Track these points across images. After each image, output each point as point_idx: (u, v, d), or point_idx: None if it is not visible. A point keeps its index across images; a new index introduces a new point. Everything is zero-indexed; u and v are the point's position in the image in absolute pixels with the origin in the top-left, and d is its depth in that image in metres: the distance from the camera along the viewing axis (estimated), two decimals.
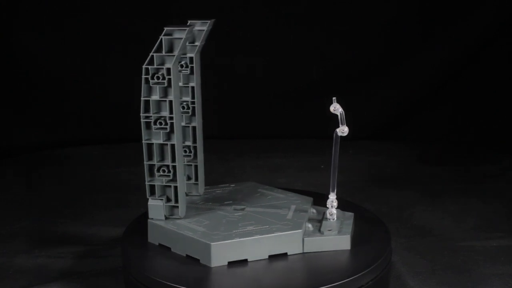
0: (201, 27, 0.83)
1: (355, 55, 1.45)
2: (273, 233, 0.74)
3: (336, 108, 0.79)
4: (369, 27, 1.43)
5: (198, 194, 0.86)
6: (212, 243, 0.72)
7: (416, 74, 1.44)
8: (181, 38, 0.75)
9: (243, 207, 0.82)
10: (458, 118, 1.44)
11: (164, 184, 0.78)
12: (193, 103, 0.84)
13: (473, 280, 0.85)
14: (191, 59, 0.83)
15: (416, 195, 1.14)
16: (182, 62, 0.82)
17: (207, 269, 0.72)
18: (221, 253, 0.73)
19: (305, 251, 0.75)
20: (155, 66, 0.76)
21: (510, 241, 0.96)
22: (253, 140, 1.45)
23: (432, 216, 1.05)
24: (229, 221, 0.78)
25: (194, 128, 0.85)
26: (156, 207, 0.78)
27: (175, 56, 0.75)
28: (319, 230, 0.77)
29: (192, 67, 0.83)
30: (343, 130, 0.79)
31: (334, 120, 1.55)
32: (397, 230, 0.99)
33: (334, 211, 0.80)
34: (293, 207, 0.81)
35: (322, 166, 1.29)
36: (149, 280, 0.72)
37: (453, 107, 1.44)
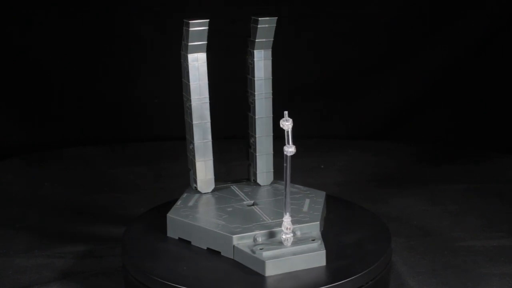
0: (255, 24, 0.86)
1: (355, 55, 1.45)
2: (211, 228, 0.76)
3: (286, 123, 0.72)
4: (369, 27, 1.43)
5: (258, 184, 0.90)
6: (167, 215, 0.80)
7: (416, 74, 1.44)
8: (192, 29, 0.81)
9: (257, 205, 0.82)
10: (458, 118, 1.44)
11: (191, 158, 0.87)
12: (255, 96, 0.88)
13: (473, 280, 0.85)
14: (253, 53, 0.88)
15: (416, 195, 1.14)
16: (249, 56, 0.89)
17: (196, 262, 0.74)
18: (173, 227, 0.80)
19: (235, 258, 0.74)
20: (182, 52, 0.84)
21: (510, 241, 0.96)
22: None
23: (432, 216, 1.05)
24: (216, 207, 0.81)
25: (259, 120, 0.89)
26: (191, 176, 0.88)
27: (188, 45, 0.82)
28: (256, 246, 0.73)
29: (254, 61, 0.87)
30: (287, 149, 0.72)
31: (333, 120, 1.56)
32: (397, 230, 0.99)
33: (287, 236, 0.73)
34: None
35: (322, 166, 1.29)
36: (149, 280, 0.72)
37: (453, 107, 1.44)
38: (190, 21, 0.81)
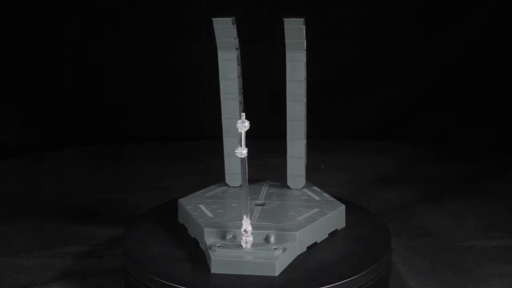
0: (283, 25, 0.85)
1: (355, 55, 1.45)
2: (196, 219, 0.78)
3: (242, 125, 0.71)
4: (369, 27, 1.43)
5: (288, 186, 0.88)
6: (179, 200, 0.84)
7: (416, 74, 1.44)
8: (216, 26, 0.84)
9: (263, 205, 0.82)
10: (458, 118, 1.44)
11: None
12: (286, 98, 0.86)
13: (473, 280, 0.85)
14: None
15: (416, 195, 1.14)
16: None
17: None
18: (181, 213, 0.84)
19: (204, 251, 0.75)
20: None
21: (510, 241, 0.96)
22: (253, 140, 1.45)
23: (432, 216, 1.05)
24: (224, 201, 0.83)
25: (290, 122, 0.87)
26: None
27: (216, 43, 0.85)
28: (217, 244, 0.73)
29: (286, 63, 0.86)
30: (241, 152, 0.70)
31: (333, 120, 1.55)
32: (397, 230, 0.99)
33: (247, 239, 0.72)
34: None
35: (322, 166, 1.29)
36: (149, 280, 0.72)
37: (453, 107, 1.44)
38: (214, 19, 0.83)
